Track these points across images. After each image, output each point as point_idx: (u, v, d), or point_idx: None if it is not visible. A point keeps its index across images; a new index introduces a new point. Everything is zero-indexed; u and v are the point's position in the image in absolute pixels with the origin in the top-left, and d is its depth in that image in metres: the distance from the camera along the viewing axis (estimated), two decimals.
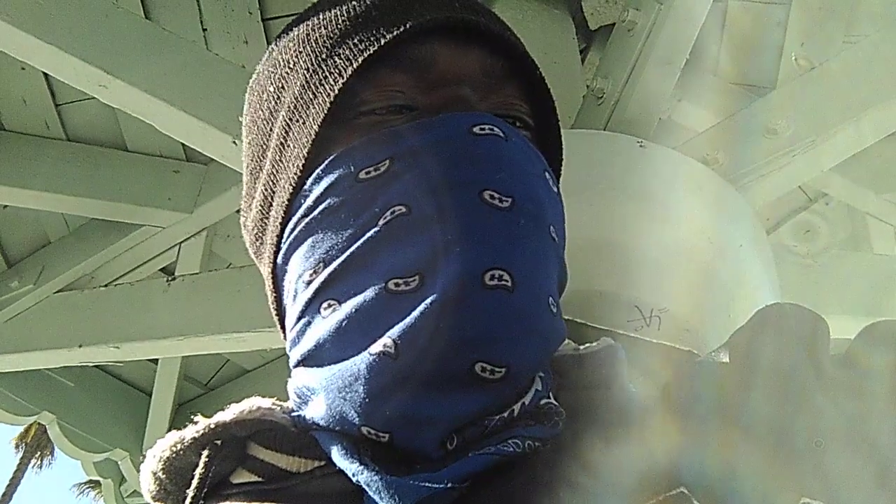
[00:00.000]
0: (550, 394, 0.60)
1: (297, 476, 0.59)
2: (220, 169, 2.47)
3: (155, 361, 3.07)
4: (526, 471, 0.55)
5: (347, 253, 0.61)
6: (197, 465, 0.60)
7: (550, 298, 0.60)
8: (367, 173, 0.62)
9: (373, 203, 0.61)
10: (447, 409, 0.56)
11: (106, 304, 2.43)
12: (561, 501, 0.52)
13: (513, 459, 0.55)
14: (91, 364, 3.01)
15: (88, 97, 2.19)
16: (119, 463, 3.24)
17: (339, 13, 0.70)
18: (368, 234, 0.60)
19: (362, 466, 0.55)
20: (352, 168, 0.63)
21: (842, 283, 2.12)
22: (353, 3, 0.70)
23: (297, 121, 0.68)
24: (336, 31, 0.69)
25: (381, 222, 0.60)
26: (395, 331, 0.56)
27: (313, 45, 0.70)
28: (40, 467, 20.90)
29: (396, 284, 0.57)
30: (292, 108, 0.69)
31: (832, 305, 2.07)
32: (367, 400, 0.56)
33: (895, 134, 1.86)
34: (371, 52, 0.65)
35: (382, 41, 0.66)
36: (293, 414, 0.63)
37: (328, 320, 0.61)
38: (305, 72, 0.69)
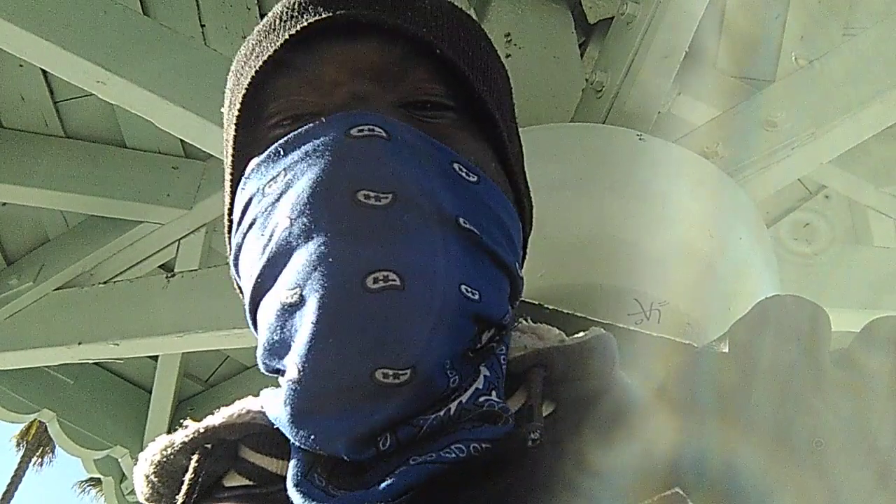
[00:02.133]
0: (494, 392, 0.59)
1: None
2: (219, 165, 2.45)
3: (155, 358, 3.07)
4: (515, 469, 0.54)
5: (259, 269, 0.61)
6: (187, 469, 0.60)
7: (464, 286, 0.59)
8: (269, 187, 0.62)
9: (271, 217, 0.61)
10: (357, 422, 0.54)
11: (105, 302, 2.43)
12: (552, 502, 0.52)
13: (459, 465, 0.53)
14: (91, 361, 3.01)
15: (87, 94, 2.19)
16: (119, 460, 3.24)
17: (259, 26, 0.71)
18: (268, 250, 0.60)
19: (294, 487, 0.54)
20: (258, 184, 0.63)
21: (842, 276, 2.12)
22: (271, 13, 0.71)
23: (227, 139, 0.70)
24: (250, 44, 0.70)
25: (273, 237, 0.60)
26: (297, 353, 0.55)
27: (238, 59, 0.72)
28: (41, 465, 20.91)
29: (286, 297, 0.57)
30: (225, 125, 0.71)
31: (833, 299, 2.07)
32: (290, 424, 0.56)
33: (894, 127, 1.86)
34: (259, 65, 0.66)
35: (268, 53, 0.66)
36: None
37: (260, 333, 0.61)
38: (230, 89, 0.71)
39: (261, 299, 0.62)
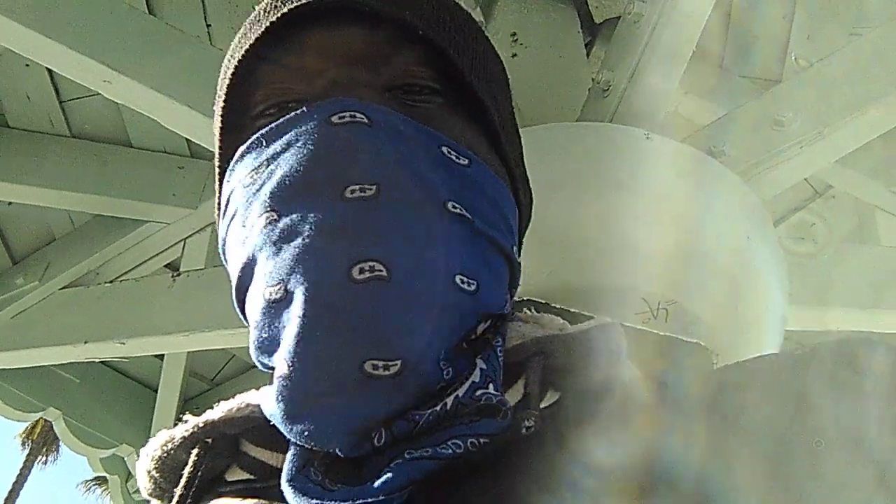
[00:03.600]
0: (492, 385, 0.58)
1: None
2: None
3: (160, 357, 3.07)
4: (514, 461, 0.53)
5: (241, 262, 0.61)
6: (187, 464, 0.60)
7: (458, 277, 0.58)
8: (251, 177, 0.62)
9: (251, 209, 0.61)
10: (350, 416, 0.54)
11: (111, 301, 2.43)
12: (553, 500, 0.51)
13: (458, 461, 0.53)
14: (96, 360, 3.02)
15: (93, 93, 2.20)
16: (125, 459, 3.25)
17: (248, 19, 0.71)
18: (248, 244, 0.60)
19: (287, 482, 0.54)
20: (240, 174, 0.63)
21: (848, 275, 2.11)
22: (259, 6, 0.70)
23: (214, 131, 0.71)
24: (237, 37, 0.70)
25: (254, 230, 0.59)
26: (286, 349, 0.55)
27: (229, 51, 0.72)
28: (46, 464, 20.96)
29: (270, 294, 0.57)
30: (214, 117, 0.71)
31: (838, 298, 2.06)
32: (284, 421, 0.56)
33: None
34: (241, 55, 0.66)
35: (250, 42, 0.66)
36: None
37: (250, 330, 0.61)
38: (220, 80, 0.71)
39: (245, 294, 0.62)
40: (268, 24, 0.65)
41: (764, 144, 1.67)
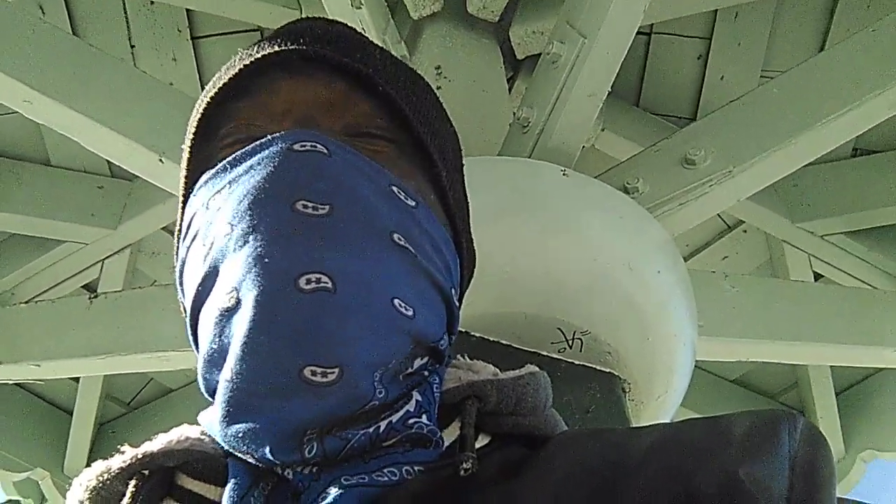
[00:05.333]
0: (425, 416, 0.61)
1: None
2: (145, 186, 2.45)
3: (76, 380, 3.02)
4: (446, 500, 0.55)
5: (200, 278, 0.63)
6: (124, 495, 0.60)
7: (397, 300, 0.61)
8: (214, 200, 0.65)
9: (213, 227, 0.63)
10: (284, 419, 0.56)
11: (26, 322, 2.37)
12: None
13: (391, 489, 0.55)
14: (11, 382, 2.95)
15: (12, 111, 2.16)
16: (40, 483, 3.16)
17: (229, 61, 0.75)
18: (209, 258, 0.62)
19: None
20: (203, 198, 0.66)
21: (760, 308, 2.17)
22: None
23: (182, 161, 0.75)
24: (216, 76, 0.75)
25: (214, 244, 0.62)
26: (232, 353, 0.57)
27: (204, 90, 0.76)
28: None
29: (223, 302, 0.59)
30: (184, 147, 0.75)
31: (750, 331, 2.12)
32: (222, 423, 0.58)
33: (809, 165, 1.93)
34: (214, 92, 0.71)
35: (223, 81, 0.71)
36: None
37: (201, 348, 0.63)
38: (192, 115, 0.75)
39: (200, 311, 0.63)
40: (241, 66, 0.70)
41: (676, 182, 1.73)
